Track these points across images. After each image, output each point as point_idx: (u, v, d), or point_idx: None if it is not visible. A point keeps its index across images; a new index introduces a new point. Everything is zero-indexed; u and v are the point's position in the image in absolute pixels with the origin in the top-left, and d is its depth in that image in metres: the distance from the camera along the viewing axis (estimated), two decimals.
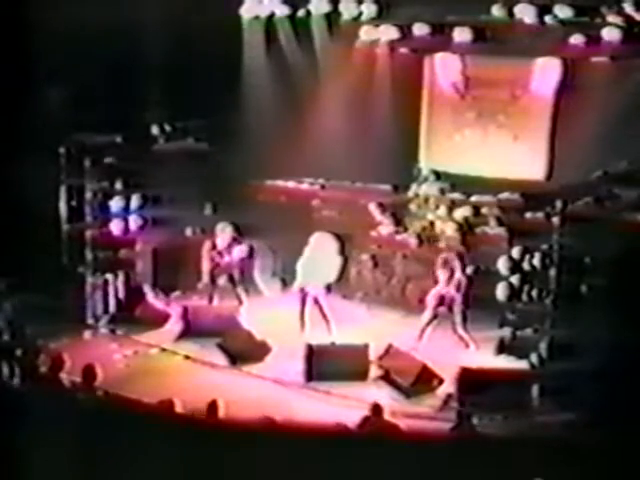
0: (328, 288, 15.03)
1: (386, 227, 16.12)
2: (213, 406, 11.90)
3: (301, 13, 16.54)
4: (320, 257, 15.00)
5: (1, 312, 13.82)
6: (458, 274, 14.52)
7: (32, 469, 10.50)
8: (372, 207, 16.14)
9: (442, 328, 14.61)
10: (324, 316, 14.84)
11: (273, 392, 13.24)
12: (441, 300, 14.55)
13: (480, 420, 12.29)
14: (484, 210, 15.72)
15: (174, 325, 15.18)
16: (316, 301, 14.95)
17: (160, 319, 15.35)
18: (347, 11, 16.32)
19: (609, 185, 14.85)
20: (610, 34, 15.05)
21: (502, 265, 14.61)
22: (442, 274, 14.59)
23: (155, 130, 16.57)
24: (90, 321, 15.46)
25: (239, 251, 15.71)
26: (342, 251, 14.97)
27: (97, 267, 15.60)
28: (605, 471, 10.13)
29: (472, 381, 13.04)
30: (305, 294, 15.00)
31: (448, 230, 15.79)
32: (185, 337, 14.98)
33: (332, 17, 16.41)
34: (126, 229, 15.82)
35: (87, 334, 15.18)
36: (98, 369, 13.11)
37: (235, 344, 14.53)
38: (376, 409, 11.90)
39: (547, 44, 15.49)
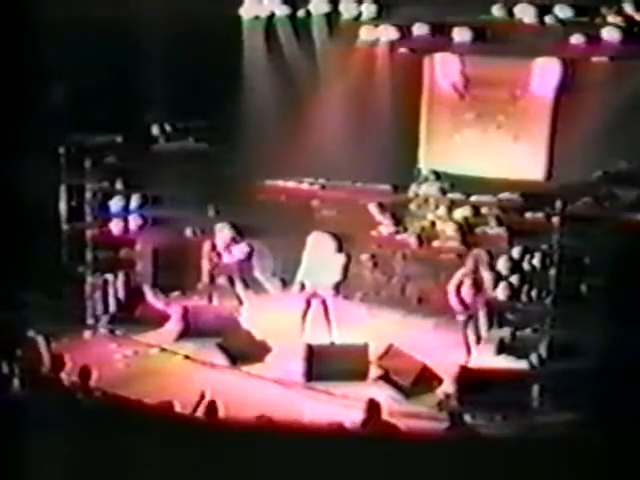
0: (336, 289, 15.01)
1: (386, 227, 16.11)
2: (213, 406, 11.91)
3: (301, 13, 16.53)
4: (320, 258, 15.00)
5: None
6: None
7: (32, 469, 10.49)
8: (372, 207, 16.13)
9: (442, 328, 14.60)
10: (327, 319, 14.82)
11: (273, 392, 13.24)
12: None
13: (480, 420, 12.30)
14: (484, 210, 15.71)
15: (174, 325, 15.19)
16: (323, 303, 14.93)
17: (160, 319, 15.36)
18: (347, 11, 16.33)
19: (609, 185, 14.85)
20: (610, 34, 15.05)
21: (502, 265, 14.59)
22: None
23: (155, 130, 16.58)
24: (90, 321, 15.46)
25: (239, 251, 15.71)
26: (340, 249, 14.96)
27: (97, 267, 15.61)
28: (605, 471, 10.11)
29: (472, 381, 13.04)
30: (310, 296, 14.98)
31: (448, 230, 15.78)
32: (185, 337, 14.99)
33: (332, 17, 16.42)
34: (126, 229, 15.83)
35: (87, 334, 15.19)
36: (97, 369, 13.12)
37: (235, 344, 14.54)
38: (375, 409, 11.90)
39: (547, 44, 15.49)
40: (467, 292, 14.43)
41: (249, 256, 15.77)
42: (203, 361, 14.26)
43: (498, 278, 14.51)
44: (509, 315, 14.49)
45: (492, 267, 14.44)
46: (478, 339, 14.40)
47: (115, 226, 15.77)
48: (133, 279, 15.93)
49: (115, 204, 15.76)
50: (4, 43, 14.01)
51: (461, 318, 14.47)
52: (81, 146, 15.23)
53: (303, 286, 15.08)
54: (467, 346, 14.38)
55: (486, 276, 14.39)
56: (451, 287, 14.58)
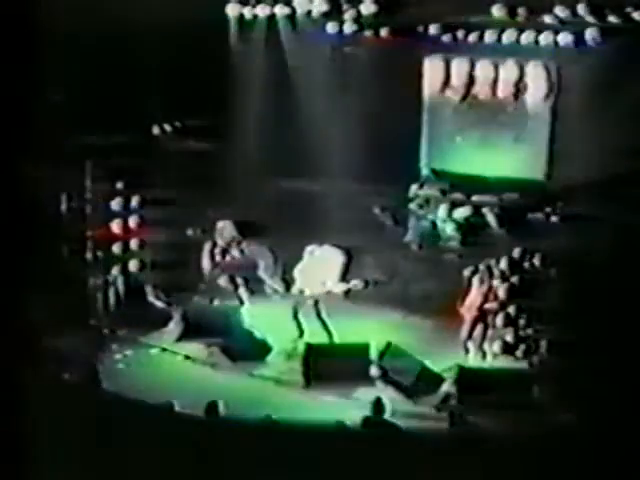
0: (336, 289, 14.99)
1: (386, 227, 16.12)
2: (213, 406, 11.91)
3: (301, 13, 16.54)
4: (320, 257, 14.99)
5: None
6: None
7: (33, 469, 10.51)
8: (372, 207, 16.13)
9: (442, 328, 14.61)
10: (325, 319, 14.79)
11: (273, 392, 13.25)
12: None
13: (480, 420, 12.29)
14: (484, 210, 15.72)
15: (174, 325, 15.17)
16: (321, 303, 14.90)
17: (160, 319, 15.35)
18: (347, 11, 16.34)
19: (609, 185, 14.85)
20: (610, 34, 15.06)
21: (502, 265, 14.57)
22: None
23: (155, 130, 16.57)
24: (91, 321, 15.45)
25: (239, 251, 15.71)
26: (340, 249, 14.94)
27: (97, 267, 15.60)
28: (605, 471, 10.13)
29: (472, 381, 13.05)
30: (309, 296, 14.95)
31: (448, 230, 15.80)
32: (185, 337, 14.97)
33: (332, 17, 16.42)
34: (126, 229, 15.83)
35: (88, 334, 15.17)
36: (98, 369, 13.12)
37: (235, 344, 14.53)
38: (376, 409, 11.90)
39: (547, 44, 15.50)
40: (474, 300, 14.40)
41: (250, 256, 15.77)
42: (203, 361, 14.26)
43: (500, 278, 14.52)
44: (509, 315, 14.48)
45: (505, 278, 14.38)
46: (480, 340, 14.39)
47: (115, 226, 15.78)
48: (133, 279, 15.93)
49: (115, 204, 15.77)
50: (5, 44, 14.03)
51: (464, 320, 14.45)
52: (81, 146, 15.22)
53: (303, 286, 15.07)
54: (467, 346, 14.37)
55: (497, 286, 14.33)
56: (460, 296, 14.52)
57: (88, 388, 12.80)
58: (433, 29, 15.94)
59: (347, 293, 15.01)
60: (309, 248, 15.10)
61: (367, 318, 15.12)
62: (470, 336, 14.23)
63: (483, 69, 16.30)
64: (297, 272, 14.97)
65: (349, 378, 13.35)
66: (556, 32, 15.33)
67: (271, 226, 15.58)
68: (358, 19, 16.28)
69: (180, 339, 14.95)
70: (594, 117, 15.07)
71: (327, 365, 13.56)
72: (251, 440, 10.63)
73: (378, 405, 11.92)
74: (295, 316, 14.77)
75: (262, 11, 16.64)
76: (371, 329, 14.60)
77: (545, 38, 15.43)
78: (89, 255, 15.44)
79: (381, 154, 15.62)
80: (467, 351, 14.27)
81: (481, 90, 16.48)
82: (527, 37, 15.49)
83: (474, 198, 15.76)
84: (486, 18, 15.60)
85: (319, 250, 14.96)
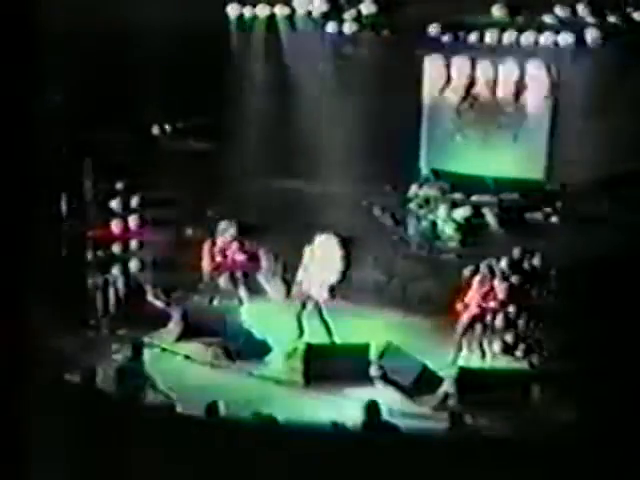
0: (336, 289, 14.98)
1: (386, 227, 16.12)
2: (213, 406, 11.90)
3: (302, 13, 16.56)
4: (320, 258, 14.99)
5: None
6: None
7: (32, 469, 10.50)
8: (373, 207, 16.14)
9: (442, 328, 14.62)
10: (325, 319, 14.80)
11: (273, 392, 13.25)
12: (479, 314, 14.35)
13: (479, 420, 12.30)
14: (484, 210, 15.73)
15: (174, 325, 15.17)
16: (322, 303, 14.91)
17: (160, 319, 15.35)
18: (347, 11, 16.35)
19: (610, 185, 14.86)
20: (609, 34, 15.08)
21: (502, 265, 14.58)
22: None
23: (155, 130, 16.58)
24: (91, 321, 15.46)
25: (239, 251, 15.71)
26: (341, 249, 14.94)
27: (97, 267, 15.60)
28: (605, 471, 10.12)
29: (472, 381, 13.06)
30: (309, 296, 14.95)
31: (448, 230, 15.81)
32: (185, 337, 14.98)
33: (332, 17, 16.44)
34: (126, 229, 15.84)
35: (88, 334, 15.18)
36: (98, 370, 13.11)
37: (235, 344, 14.54)
38: (375, 409, 11.89)
39: (547, 44, 15.51)
40: (474, 300, 14.37)
41: (250, 256, 15.78)
42: (203, 361, 14.27)
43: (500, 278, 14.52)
44: (509, 315, 14.48)
45: (505, 277, 14.34)
46: (479, 340, 14.40)
47: (115, 226, 15.79)
48: (133, 279, 15.93)
49: (115, 204, 15.78)
50: (4, 43, 14.02)
51: (463, 320, 14.44)
52: (81, 146, 15.22)
53: (302, 286, 15.08)
54: (461, 344, 14.36)
55: (498, 284, 14.29)
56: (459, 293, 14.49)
57: (88, 388, 12.77)
58: (433, 29, 15.96)
59: (342, 280, 14.96)
60: (308, 249, 15.13)
61: (367, 318, 15.15)
62: (465, 334, 14.24)
63: (483, 69, 16.33)
64: (299, 271, 14.99)
65: (349, 378, 13.35)
66: (556, 32, 15.36)
67: (271, 226, 15.57)
68: (358, 19, 16.31)
69: (180, 339, 14.95)
70: (594, 117, 15.09)
71: (327, 365, 13.56)
72: (251, 440, 10.60)
73: (378, 405, 11.89)
74: (297, 316, 14.79)
75: (262, 11, 16.67)
76: (371, 329, 14.60)
77: (545, 38, 15.45)
78: (89, 255, 15.45)
79: (381, 154, 15.64)
80: (460, 349, 14.25)
81: (481, 90, 16.51)
82: (527, 37, 15.52)
83: (474, 198, 15.78)
84: (486, 18, 15.62)
85: (318, 241, 14.95)
